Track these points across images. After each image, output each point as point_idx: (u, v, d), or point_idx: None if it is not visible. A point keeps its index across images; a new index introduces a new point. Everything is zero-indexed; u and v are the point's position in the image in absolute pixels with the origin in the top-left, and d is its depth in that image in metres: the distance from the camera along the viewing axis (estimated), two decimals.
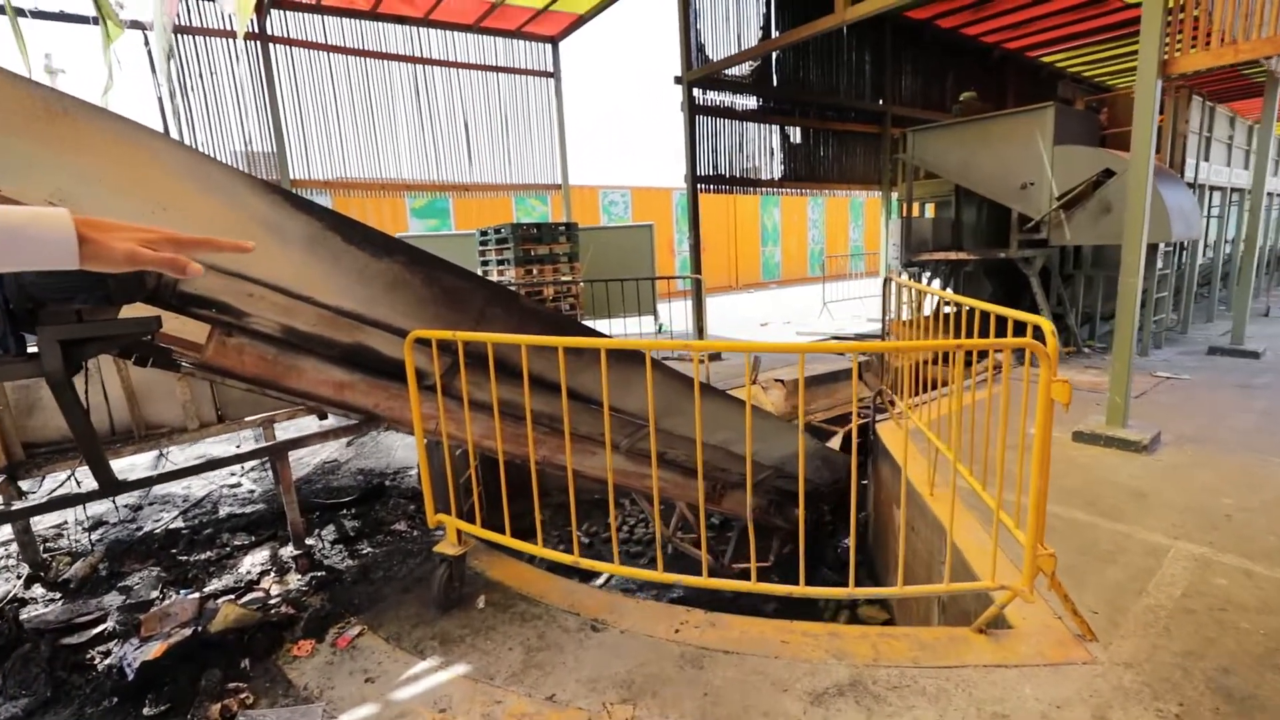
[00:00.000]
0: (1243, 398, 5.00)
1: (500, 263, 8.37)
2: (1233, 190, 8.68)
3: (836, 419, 6.19)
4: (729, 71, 7.87)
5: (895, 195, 9.63)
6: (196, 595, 2.65)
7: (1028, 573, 2.00)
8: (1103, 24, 9.92)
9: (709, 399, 3.78)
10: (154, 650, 2.20)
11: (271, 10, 7.69)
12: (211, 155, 2.23)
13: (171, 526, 3.54)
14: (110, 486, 2.45)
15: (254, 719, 1.96)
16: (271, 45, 7.73)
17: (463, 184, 9.49)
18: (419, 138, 9.16)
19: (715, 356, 7.59)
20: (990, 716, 1.85)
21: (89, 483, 2.68)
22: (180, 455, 4.72)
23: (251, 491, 4.10)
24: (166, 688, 2.13)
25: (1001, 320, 2.66)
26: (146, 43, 6.59)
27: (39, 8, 6.46)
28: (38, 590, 2.89)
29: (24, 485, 2.91)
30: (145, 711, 2.04)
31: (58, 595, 2.85)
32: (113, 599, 2.77)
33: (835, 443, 5.32)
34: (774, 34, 8.22)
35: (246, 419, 3.29)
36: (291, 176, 8.13)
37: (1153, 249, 5.96)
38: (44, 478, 3.01)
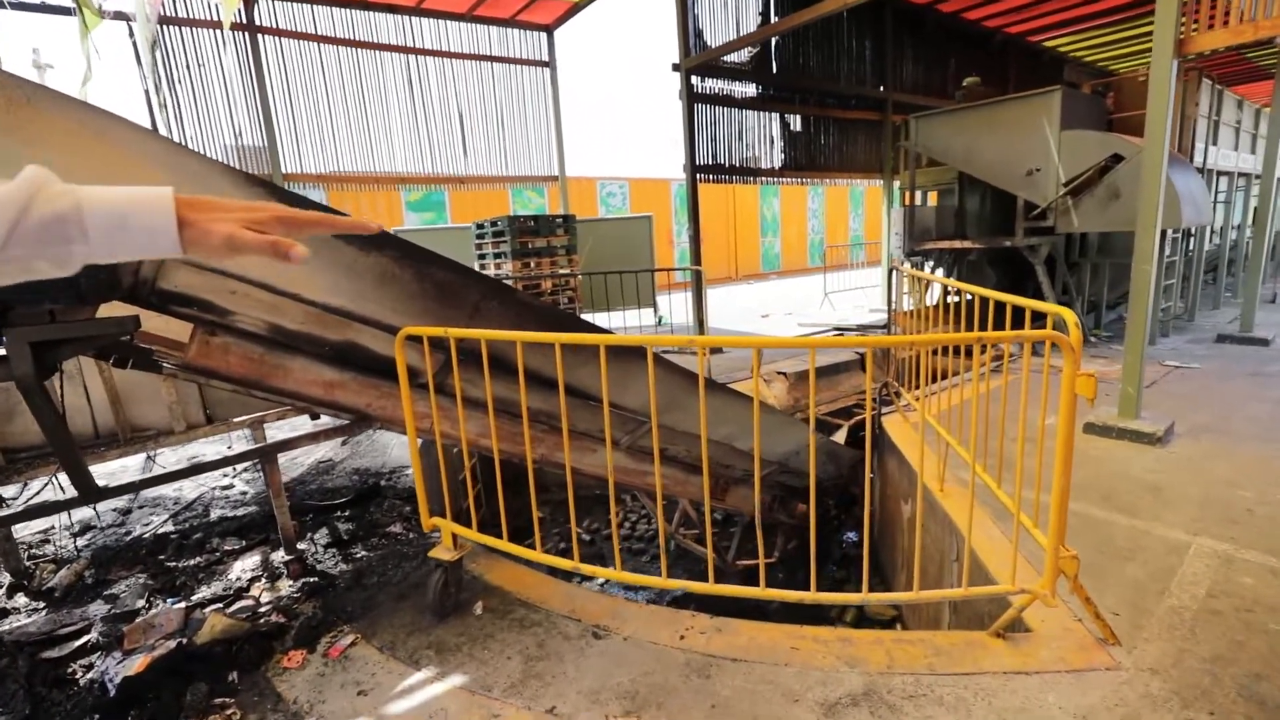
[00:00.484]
0: (1256, 386, 4.90)
1: (497, 256, 8.25)
2: (1240, 175, 8.55)
3: (839, 411, 6.09)
4: (728, 58, 7.72)
5: (897, 183, 9.49)
6: (183, 605, 2.56)
7: (1049, 575, 1.90)
8: (1108, 6, 9.75)
9: (711, 394, 3.68)
10: (136, 665, 2.11)
11: (259, 0, 7.52)
12: (187, 145, 2.10)
13: (161, 531, 3.45)
14: (89, 493, 2.35)
15: None
16: (260, 36, 7.57)
17: (458, 176, 9.35)
18: (413, 130, 9.01)
19: (718, 351, 7.49)
20: None
21: (72, 489, 2.58)
22: (173, 456, 4.63)
23: (244, 494, 4.00)
24: (150, 704, 2.04)
25: (1014, 309, 2.55)
26: (131, 34, 6.44)
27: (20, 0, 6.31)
28: (20, 600, 2.80)
29: (4, 492, 2.81)
30: None
31: (41, 605, 2.76)
32: (98, 608, 2.68)
33: (840, 436, 5.23)
34: (773, 19, 8.06)
35: (235, 420, 3.18)
36: (284, 171, 8.00)
37: (1162, 235, 5.84)
38: (26, 484, 2.91)
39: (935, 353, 4.10)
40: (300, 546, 3.05)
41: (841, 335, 9.04)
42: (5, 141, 1.82)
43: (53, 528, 3.50)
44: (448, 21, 8.94)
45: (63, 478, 2.92)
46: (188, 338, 2.58)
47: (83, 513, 3.56)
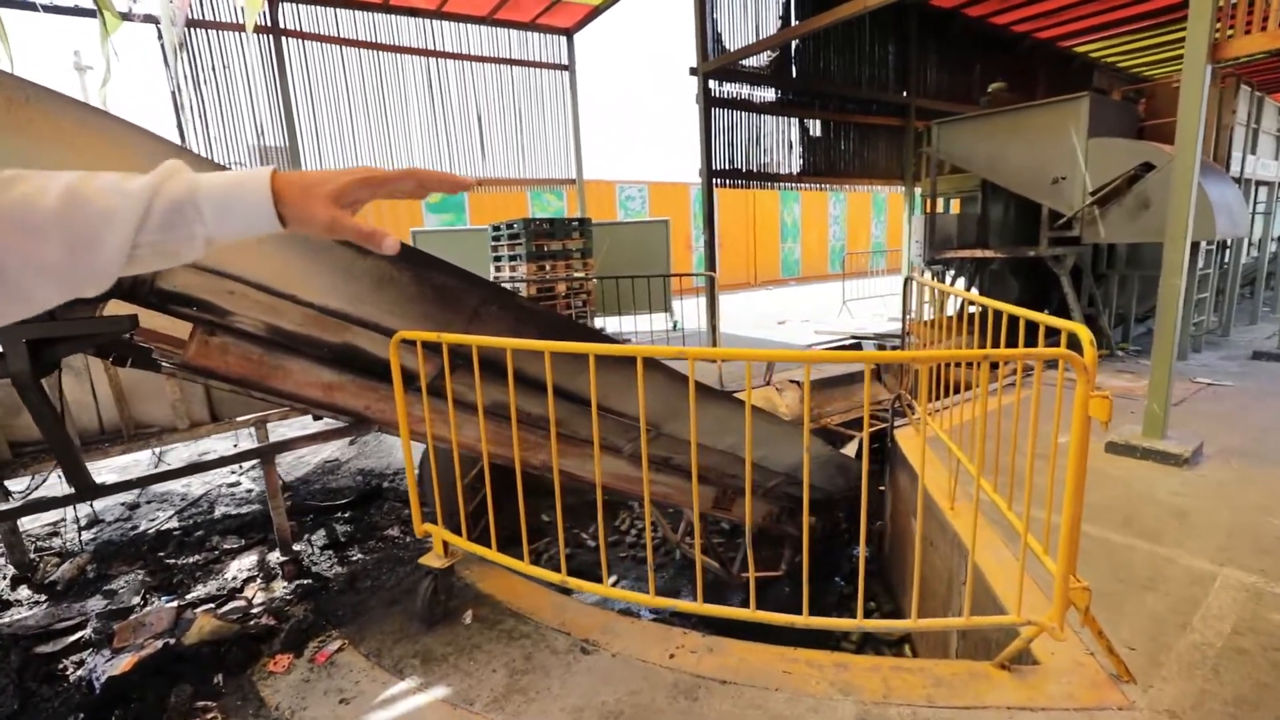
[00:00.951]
0: None
1: (512, 258, 8.25)
2: None
3: (854, 422, 5.96)
4: (746, 62, 7.63)
5: (919, 190, 9.31)
6: (174, 604, 2.56)
7: (1058, 607, 1.80)
8: (1142, 10, 9.47)
9: (715, 403, 3.61)
10: (123, 664, 2.11)
11: (283, 3, 7.64)
12: (188, 145, 2.10)
13: (165, 527, 3.47)
14: (87, 490, 2.36)
15: None
16: (284, 39, 7.68)
17: (476, 179, 9.39)
18: (432, 132, 9.07)
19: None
20: None
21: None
22: (185, 452, 4.69)
23: (250, 491, 4.02)
24: (134, 704, 2.03)
25: (1032, 323, 2.45)
26: (160, 36, 6.58)
27: (54, 3, 6.48)
28: (23, 592, 2.83)
29: (11, 485, 2.85)
30: None
31: (42, 598, 2.79)
32: (95, 604, 2.69)
33: (852, 448, 5.11)
34: (793, 22, 7.96)
35: (239, 419, 3.19)
36: (304, 170, 8.10)
37: (1194, 247, 5.63)
38: (34, 477, 2.94)
39: (948, 365, 3.98)
40: (297, 548, 3.04)
41: (858, 344, 8.88)
42: (6, 139, 1.83)
43: (61, 521, 3.55)
44: (468, 24, 9.00)
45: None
46: (187, 336, 2.59)
47: (91, 506, 3.60)
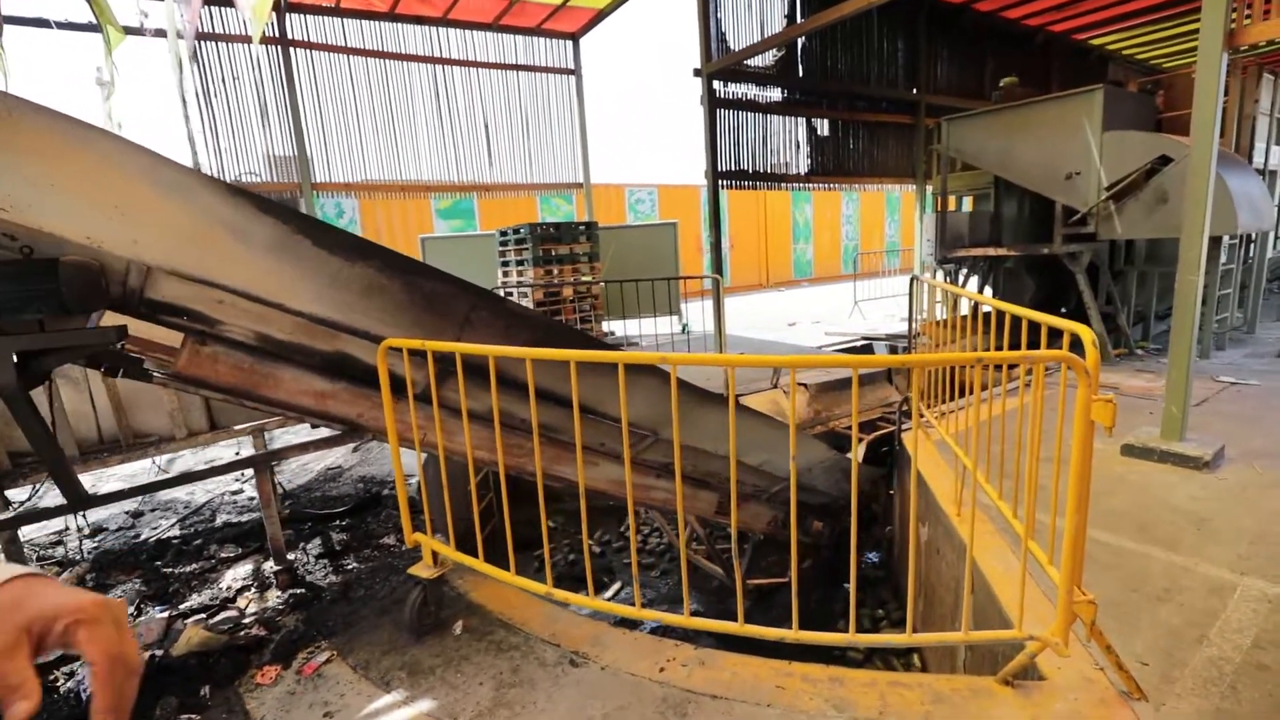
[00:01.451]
0: None
1: (519, 263, 8.26)
2: None
3: (863, 425, 5.85)
4: (751, 62, 7.57)
5: (930, 188, 9.16)
6: (165, 615, 2.55)
7: (1061, 621, 1.71)
8: (1158, 1, 9.24)
9: (717, 408, 3.54)
10: None
11: (290, 14, 7.73)
12: (167, 156, 2.10)
13: (166, 535, 3.49)
14: (78, 501, 2.36)
15: None
16: (291, 49, 7.77)
17: (484, 184, 9.43)
18: (439, 138, 9.12)
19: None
20: None
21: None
22: (193, 459, 4.72)
23: (252, 499, 4.03)
24: None
25: (1041, 323, 2.36)
26: (171, 49, 6.68)
27: (68, 19, 6.61)
28: None
29: (12, 495, 2.87)
30: None
31: None
32: None
33: (860, 452, 5.00)
34: (798, 19, 7.87)
35: (237, 427, 3.20)
36: (314, 179, 8.18)
37: (1215, 242, 5.45)
38: (34, 487, 2.96)
39: (957, 367, 3.88)
40: (291, 556, 3.03)
41: (869, 345, 8.75)
42: None
43: (66, 529, 3.58)
44: (474, 31, 9.04)
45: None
46: (179, 345, 2.59)
47: (96, 515, 3.63)
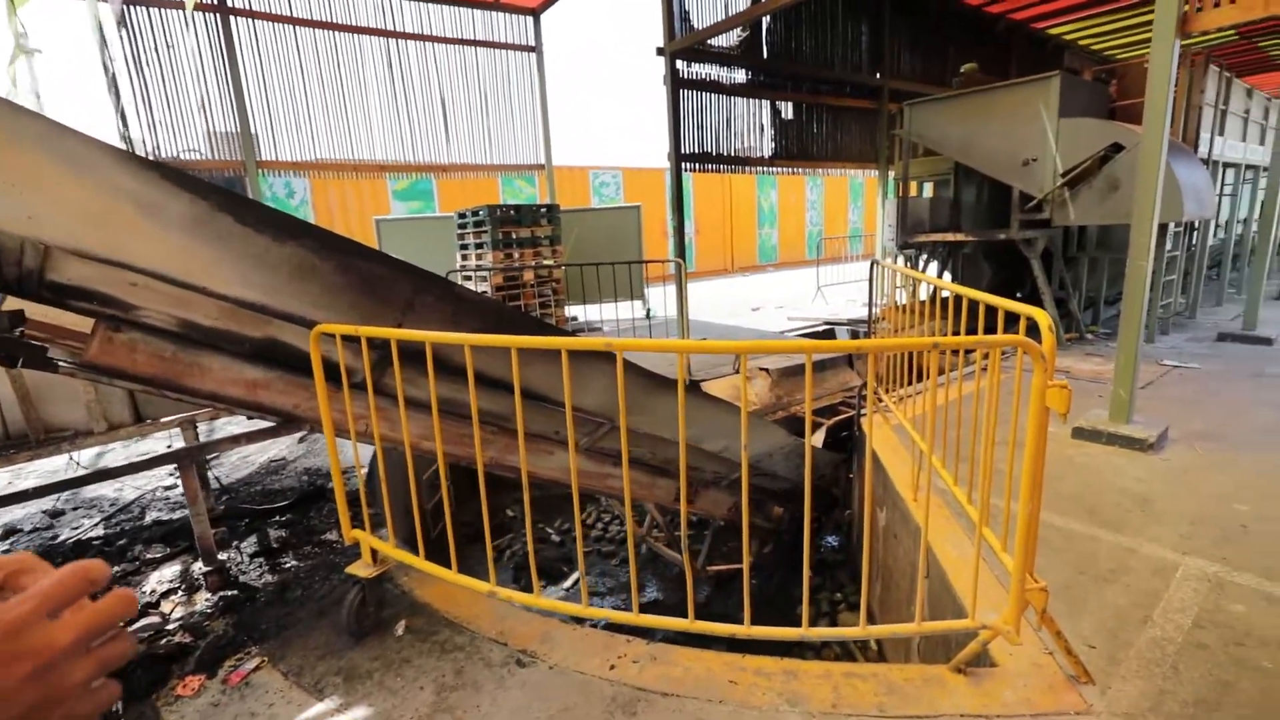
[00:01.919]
0: (1258, 389, 4.66)
1: (479, 246, 8.02)
2: (1248, 167, 8.26)
3: (823, 410, 5.87)
4: (716, 42, 7.44)
5: (892, 174, 9.22)
6: None
7: (1013, 609, 1.69)
8: None
9: (674, 395, 3.47)
10: None
11: None
12: (68, 126, 1.89)
13: (88, 535, 3.26)
14: None
15: None
16: (232, 17, 7.32)
17: (441, 164, 9.11)
18: (394, 116, 8.76)
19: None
20: None
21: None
22: (125, 453, 4.44)
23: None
24: None
25: (998, 307, 2.33)
26: (91, 12, 6.20)
27: None
28: None
29: None
30: None
31: None
32: None
33: (818, 437, 5.02)
34: None
35: (164, 419, 2.98)
36: (259, 157, 7.77)
37: (1162, 229, 5.59)
38: None
39: (914, 352, 3.89)
40: (223, 556, 2.86)
41: (831, 330, 8.81)
42: None
43: None
44: (429, 4, 8.67)
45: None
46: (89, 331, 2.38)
47: (8, 515, 3.37)
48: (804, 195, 19.84)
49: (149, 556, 2.94)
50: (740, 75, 7.90)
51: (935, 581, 2.51)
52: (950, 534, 2.70)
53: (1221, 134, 6.88)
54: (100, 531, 3.30)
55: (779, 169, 8.64)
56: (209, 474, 3.68)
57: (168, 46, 7.01)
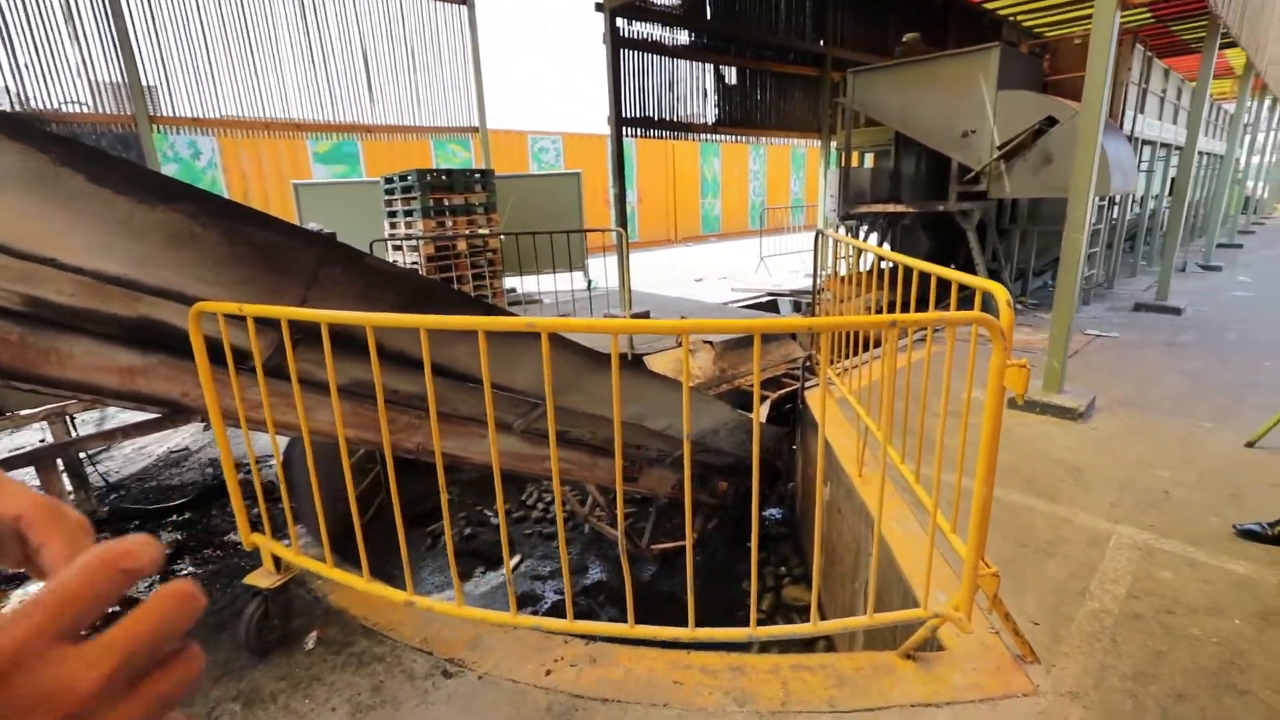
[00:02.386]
0: (1170, 357, 4.90)
1: (408, 214, 7.51)
2: (1161, 145, 8.66)
3: (768, 382, 5.85)
4: (659, 0, 7.11)
5: (834, 144, 9.20)
6: None
7: (966, 597, 1.63)
8: None
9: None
10: None
11: None
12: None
13: None
14: None
15: None
16: None
17: (364, 125, 8.46)
18: (309, 70, 8.03)
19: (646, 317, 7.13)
20: None
21: None
22: (7, 443, 3.92)
23: (69, 495, 3.38)
24: None
25: (945, 279, 2.25)
26: None
27: None
28: None
29: None
30: None
31: None
32: None
33: (764, 411, 4.98)
34: None
35: (24, 412, 2.58)
36: (151, 113, 6.96)
37: None
38: None
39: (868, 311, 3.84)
40: None
41: (774, 301, 8.81)
42: None
43: None
44: None
45: None
46: None
47: None
48: (747, 165, 19.79)
49: (12, 573, 2.56)
50: (684, 36, 7.61)
51: (882, 561, 2.47)
52: (895, 511, 2.67)
53: (1142, 112, 7.13)
54: None
55: (722, 136, 8.46)
56: (94, 470, 3.25)
57: None
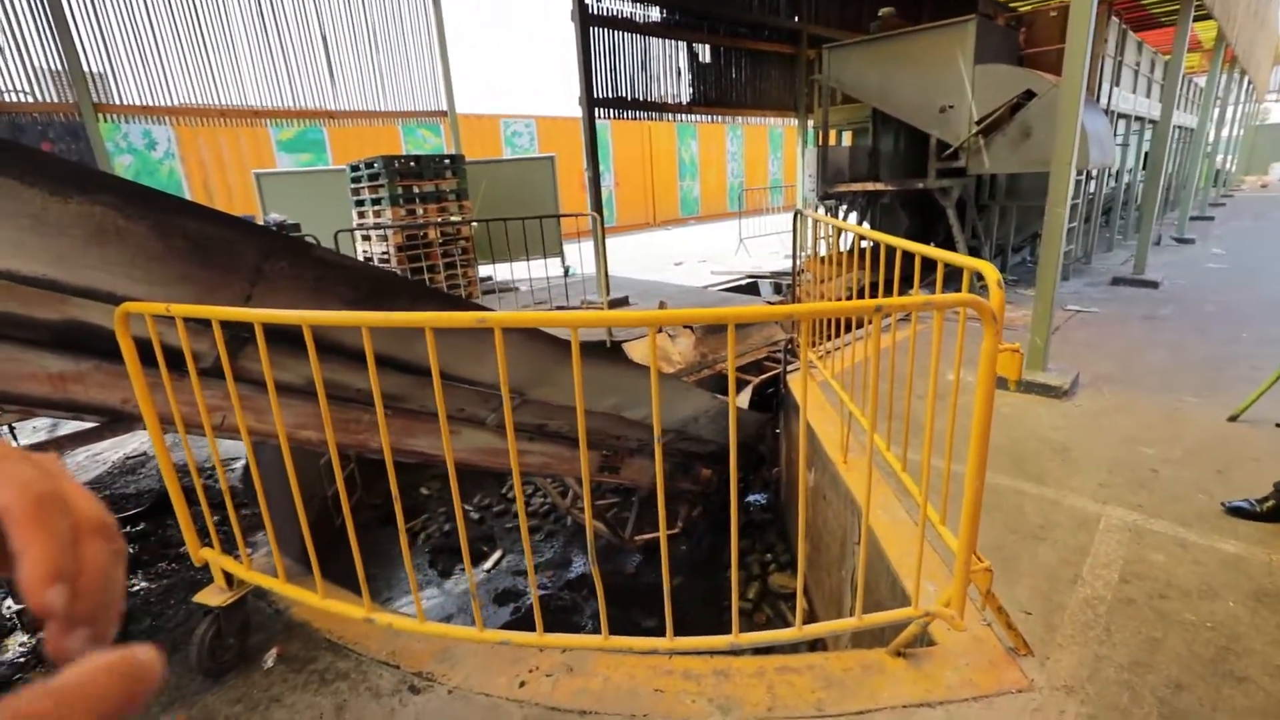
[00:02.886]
0: (1150, 331, 4.90)
1: (375, 202, 7.26)
2: (1136, 119, 8.65)
3: (749, 366, 5.76)
4: None
5: (811, 122, 9.07)
6: None
7: (958, 591, 1.55)
8: None
9: (592, 362, 3.18)
10: None
11: None
12: None
13: None
14: None
15: None
16: None
17: (326, 110, 8.13)
18: (267, 55, 7.67)
19: (622, 303, 7.00)
20: None
21: None
22: None
23: None
24: None
25: (926, 256, 2.16)
26: None
27: None
28: None
29: None
30: None
31: None
32: None
33: (744, 396, 4.89)
34: None
35: None
36: (95, 100, 6.60)
37: None
38: None
39: (850, 296, 3.74)
40: None
41: (754, 283, 8.72)
42: None
43: None
44: None
45: None
46: None
47: None
48: (724, 146, 19.58)
49: None
50: (655, 13, 7.40)
51: (869, 550, 2.39)
52: (881, 498, 2.59)
53: (1118, 85, 7.10)
54: None
55: (698, 116, 8.28)
56: None
57: None
